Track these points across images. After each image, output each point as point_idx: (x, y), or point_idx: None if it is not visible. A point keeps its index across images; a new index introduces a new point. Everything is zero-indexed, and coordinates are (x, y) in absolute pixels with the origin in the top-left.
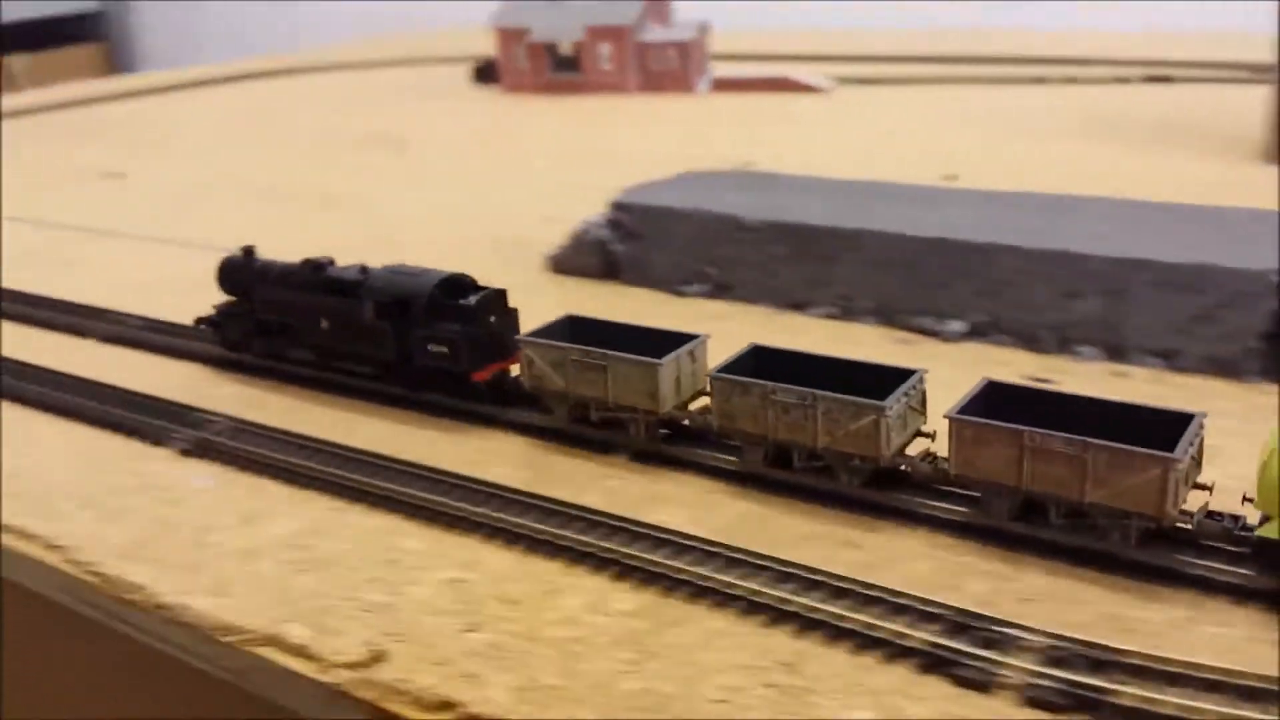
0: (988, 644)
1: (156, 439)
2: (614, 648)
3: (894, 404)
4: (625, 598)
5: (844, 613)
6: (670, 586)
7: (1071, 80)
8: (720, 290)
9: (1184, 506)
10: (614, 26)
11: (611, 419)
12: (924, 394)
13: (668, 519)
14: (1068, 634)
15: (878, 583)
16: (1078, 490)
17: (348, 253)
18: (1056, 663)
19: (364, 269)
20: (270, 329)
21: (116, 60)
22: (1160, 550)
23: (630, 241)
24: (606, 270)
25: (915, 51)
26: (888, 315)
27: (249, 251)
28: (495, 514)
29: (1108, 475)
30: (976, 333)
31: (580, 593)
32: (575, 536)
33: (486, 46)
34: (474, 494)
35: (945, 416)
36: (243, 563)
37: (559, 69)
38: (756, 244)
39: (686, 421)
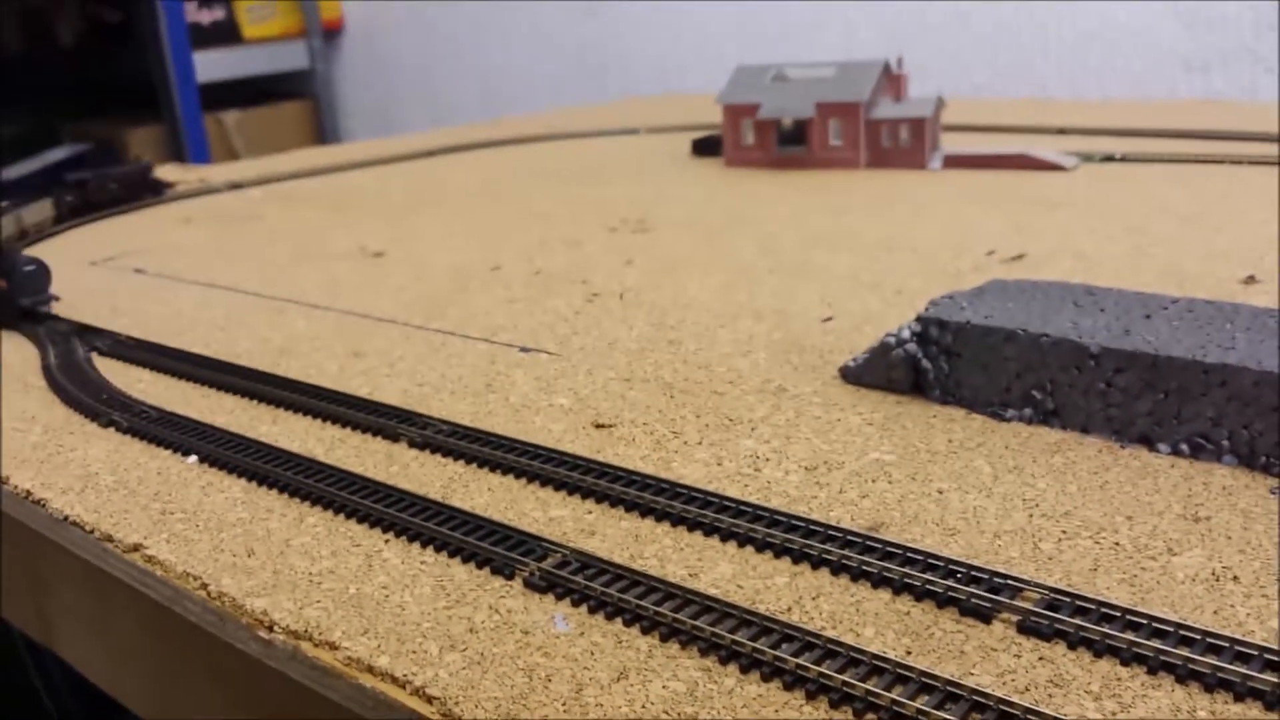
0: None
1: (510, 571)
2: None
3: None
4: None
5: None
6: None
7: None
8: (1047, 417)
9: None
10: (846, 103)
11: None
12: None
13: (1077, 711)
14: None
15: None
16: None
17: (640, 356)
18: None
19: None
20: None
21: (321, 117)
22: None
23: (943, 359)
24: (911, 386)
25: (1144, 125)
26: (1253, 459)
27: None
28: (884, 692)
29: None
30: None
31: None
32: None
33: (688, 115)
34: (856, 667)
35: None
36: None
37: (784, 144)
38: (1099, 372)
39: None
